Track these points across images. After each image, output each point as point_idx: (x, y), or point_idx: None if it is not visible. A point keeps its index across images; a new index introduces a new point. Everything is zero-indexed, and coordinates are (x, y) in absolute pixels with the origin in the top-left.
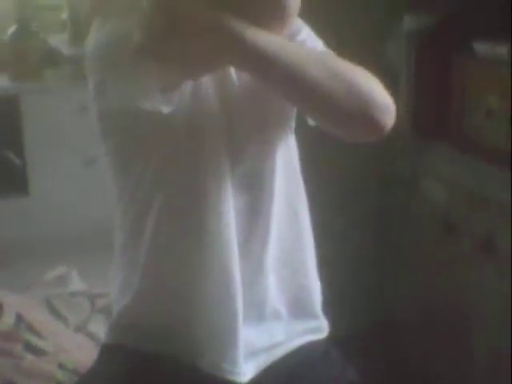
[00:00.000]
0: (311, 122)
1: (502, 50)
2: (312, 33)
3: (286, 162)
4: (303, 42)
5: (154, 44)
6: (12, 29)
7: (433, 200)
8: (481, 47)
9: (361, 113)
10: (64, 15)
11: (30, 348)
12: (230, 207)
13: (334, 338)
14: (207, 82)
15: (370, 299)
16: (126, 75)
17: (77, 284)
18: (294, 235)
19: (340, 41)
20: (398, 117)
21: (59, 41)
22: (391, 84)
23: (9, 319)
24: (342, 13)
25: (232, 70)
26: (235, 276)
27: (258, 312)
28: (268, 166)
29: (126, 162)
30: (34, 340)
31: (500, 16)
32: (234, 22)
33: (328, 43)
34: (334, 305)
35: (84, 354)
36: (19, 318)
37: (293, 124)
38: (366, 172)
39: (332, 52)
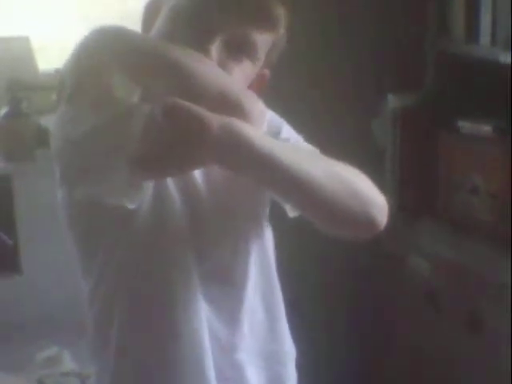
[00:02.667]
0: (291, 213)
1: (486, 127)
2: (291, 129)
3: (260, 255)
4: (286, 140)
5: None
6: (3, 110)
7: (419, 275)
8: (465, 125)
9: (363, 214)
10: (55, 96)
11: None
12: (198, 303)
13: None
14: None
15: (357, 373)
16: (95, 170)
17: (68, 364)
18: (268, 326)
19: (328, 120)
20: (385, 193)
21: (51, 121)
22: (378, 161)
23: None
24: (330, 90)
25: None
26: (209, 373)
27: None
28: (240, 261)
29: (89, 252)
30: None
31: (485, 94)
32: (237, 123)
33: (317, 121)
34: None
35: None
36: None
37: (265, 216)
38: (352, 248)
39: (317, 150)
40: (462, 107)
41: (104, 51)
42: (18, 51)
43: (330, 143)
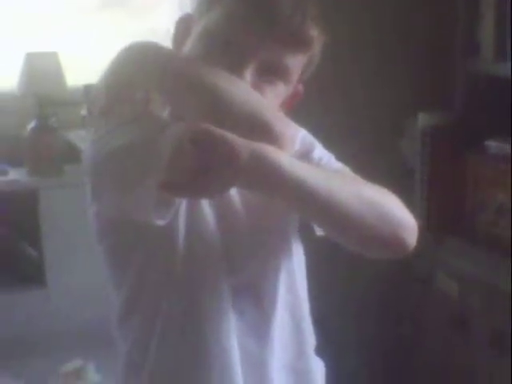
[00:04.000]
0: (319, 232)
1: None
2: (323, 149)
3: (290, 270)
4: (320, 159)
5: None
6: (31, 125)
7: (447, 295)
8: (492, 144)
9: (392, 236)
10: (83, 112)
11: None
12: (229, 316)
13: None
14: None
15: None
16: (125, 185)
17: (93, 377)
18: (297, 344)
19: (356, 138)
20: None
21: (78, 137)
22: (406, 180)
23: None
24: (358, 109)
25: None
26: None
27: None
28: (270, 276)
29: (120, 266)
30: None
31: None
32: (267, 149)
33: (345, 141)
34: None
35: None
36: None
37: (295, 233)
38: (380, 265)
39: (348, 169)
40: (490, 126)
41: (137, 68)
42: (47, 67)
43: (358, 162)
